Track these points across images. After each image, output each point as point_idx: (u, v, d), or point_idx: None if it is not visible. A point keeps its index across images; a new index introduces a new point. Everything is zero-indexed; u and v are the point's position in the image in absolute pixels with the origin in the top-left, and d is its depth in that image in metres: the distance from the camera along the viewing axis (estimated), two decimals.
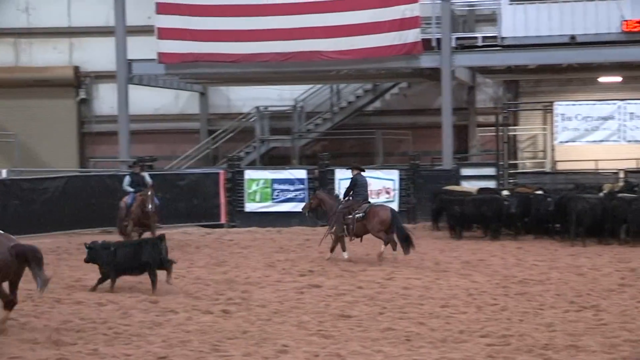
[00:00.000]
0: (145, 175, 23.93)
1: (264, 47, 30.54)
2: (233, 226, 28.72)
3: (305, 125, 36.10)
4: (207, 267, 19.97)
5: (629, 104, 28.37)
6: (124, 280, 17.90)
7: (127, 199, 23.30)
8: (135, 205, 22.95)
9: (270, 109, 36.27)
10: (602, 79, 34.45)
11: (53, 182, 26.35)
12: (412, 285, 17.08)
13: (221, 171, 29.72)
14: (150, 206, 22.58)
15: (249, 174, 29.74)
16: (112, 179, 27.62)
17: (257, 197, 29.39)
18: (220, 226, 28.56)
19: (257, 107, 35.99)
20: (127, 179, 23.61)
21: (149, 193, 22.72)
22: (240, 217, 29.20)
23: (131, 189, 23.28)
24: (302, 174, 29.60)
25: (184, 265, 20.08)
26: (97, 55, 36.68)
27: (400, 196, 29.15)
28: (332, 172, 29.29)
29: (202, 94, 37.34)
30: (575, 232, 23.34)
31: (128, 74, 31.94)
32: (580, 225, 23.29)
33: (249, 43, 30.60)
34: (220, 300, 15.64)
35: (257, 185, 29.42)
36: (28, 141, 35.52)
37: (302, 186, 29.25)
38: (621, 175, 29.03)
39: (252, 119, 36.16)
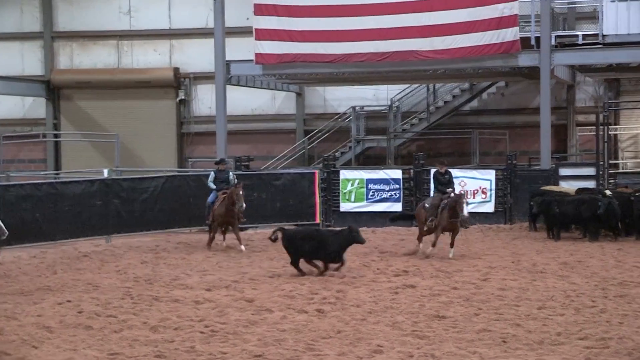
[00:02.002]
0: (230, 173, 24.15)
1: (360, 47, 30.57)
2: (328, 226, 28.80)
3: (401, 125, 36.04)
4: (302, 266, 20.05)
5: None
6: (221, 279, 18.17)
7: (209, 198, 23.56)
8: (219, 203, 23.15)
9: (365, 109, 36.32)
10: None
11: (152, 182, 26.78)
12: (508, 287, 16.90)
13: (316, 171, 29.84)
14: (242, 204, 22.78)
15: (344, 173, 29.79)
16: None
17: (352, 197, 29.43)
18: (316, 226, 28.67)
19: (353, 107, 36.06)
20: (211, 175, 23.84)
21: (240, 192, 22.89)
22: (335, 217, 29.27)
23: (214, 186, 23.51)
24: (397, 174, 29.53)
25: (279, 265, 20.26)
26: (196, 56, 37.28)
27: (497, 196, 28.85)
28: (428, 172, 29.13)
29: (299, 94, 37.59)
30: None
31: (226, 74, 32.33)
32: None
33: (344, 43, 30.66)
34: (314, 300, 15.71)
35: (352, 185, 29.45)
36: (128, 141, 36.27)
37: (397, 186, 29.18)
38: None
39: (348, 119, 36.24)
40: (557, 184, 28.41)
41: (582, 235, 24.94)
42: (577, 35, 31.29)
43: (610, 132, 31.41)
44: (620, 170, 32.48)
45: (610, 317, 13.98)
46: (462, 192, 23.20)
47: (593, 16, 31.93)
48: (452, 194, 21.60)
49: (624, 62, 31.52)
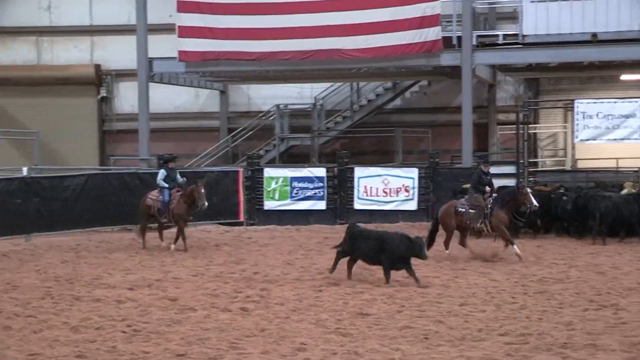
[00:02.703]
0: (177, 171, 23.89)
1: (284, 45, 30.56)
2: (252, 224, 28.76)
3: (325, 123, 36.12)
4: (225, 264, 20.01)
5: None
6: (144, 278, 18.01)
7: (159, 195, 23.22)
8: (177, 201, 22.90)
9: (290, 107, 36.30)
10: (624, 77, 34.29)
11: (73, 180, 26.44)
12: (431, 284, 17.06)
13: (240, 169, 29.75)
14: (205, 203, 22.68)
15: (268, 172, 29.77)
16: (132, 176, 27.72)
17: (276, 195, 29.43)
18: (239, 224, 28.59)
19: (277, 105, 36.01)
20: (162, 173, 23.45)
21: (202, 190, 22.76)
22: (259, 215, 29.24)
23: (166, 185, 23.25)
24: (321, 172, 29.60)
25: (202, 263, 20.18)
26: (118, 53, 36.85)
27: (419, 194, 29.12)
28: (352, 171, 29.27)
29: (223, 92, 37.42)
30: (598, 231, 23.30)
31: (149, 72, 32.04)
32: (603, 223, 23.24)
33: (269, 41, 30.61)
34: (238, 298, 15.67)
35: (276, 183, 29.45)
36: (49, 139, 35.66)
37: (321, 184, 29.26)
38: None
39: (272, 117, 36.19)
40: None
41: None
42: (497, 35, 31.68)
43: (529, 131, 31.89)
44: (540, 169, 32.98)
45: (530, 313, 14.19)
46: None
47: (513, 16, 32.35)
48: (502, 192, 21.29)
49: (543, 62, 31.99)
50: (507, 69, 33.92)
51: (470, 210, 20.74)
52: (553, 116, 35.47)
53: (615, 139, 28.47)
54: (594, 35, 29.28)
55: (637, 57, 30.22)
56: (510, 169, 29.50)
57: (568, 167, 33.23)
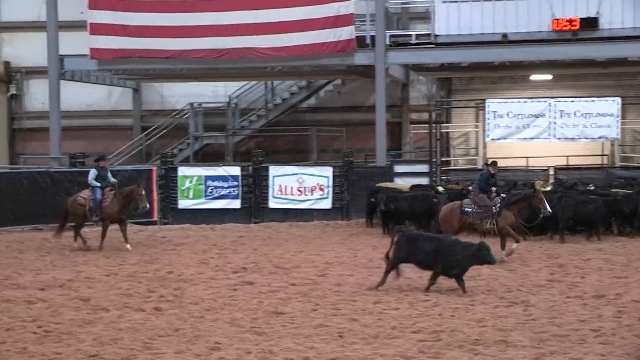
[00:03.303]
0: (108, 170, 23.54)
1: (198, 44, 30.39)
2: (166, 223, 28.51)
3: (240, 122, 36.05)
4: (139, 264, 19.81)
5: (559, 101, 28.74)
6: (55, 278, 17.73)
7: (90, 194, 22.84)
8: (110, 201, 22.57)
9: (204, 105, 36.10)
10: (533, 77, 34.94)
11: None
12: (345, 282, 17.13)
13: (153, 168, 29.49)
14: (146, 205, 22.48)
15: (182, 170, 29.56)
16: (43, 175, 27.26)
17: (190, 194, 29.24)
18: (153, 223, 28.33)
19: (191, 104, 35.78)
20: (93, 173, 23.02)
21: (143, 192, 22.53)
22: (173, 214, 29.01)
23: (97, 184, 22.85)
24: (235, 170, 29.51)
25: (115, 263, 19.95)
26: (29, 50, 36.19)
27: (334, 193, 29.22)
28: (266, 169, 29.26)
29: (135, 90, 37.05)
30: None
31: (60, 69, 31.57)
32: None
33: (182, 39, 30.42)
34: (152, 298, 15.54)
35: (190, 182, 29.26)
36: None
37: (235, 183, 29.17)
38: (551, 172, 29.47)
39: (186, 116, 35.96)
40: (392, 180, 29.01)
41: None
42: (410, 35, 32.01)
43: (442, 130, 32.28)
44: (452, 167, 33.41)
45: (442, 311, 14.35)
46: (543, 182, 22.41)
47: (426, 16, 32.69)
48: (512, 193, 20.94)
49: (455, 61, 32.43)
50: (420, 68, 34.27)
51: (478, 210, 20.28)
52: (465, 115, 35.95)
53: (525, 138, 28.99)
54: (505, 35, 29.77)
55: (547, 58, 30.85)
56: (423, 168, 29.83)
57: (479, 165, 33.66)
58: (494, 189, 20.41)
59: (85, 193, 22.99)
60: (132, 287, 16.55)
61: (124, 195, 22.66)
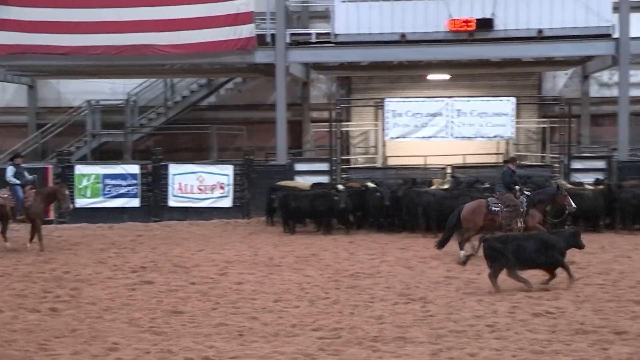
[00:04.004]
0: (24, 168, 22.96)
1: (95, 40, 29.92)
2: (62, 222, 28.01)
3: (139, 119, 35.65)
4: (34, 264, 19.44)
5: (456, 101, 29.17)
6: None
7: (9, 193, 22.17)
8: (33, 199, 21.99)
9: (102, 102, 35.60)
10: (431, 77, 35.40)
11: None
12: (245, 280, 17.11)
13: (49, 166, 28.95)
14: (70, 205, 22.02)
15: (79, 169, 29.11)
16: None
17: (88, 193, 28.82)
18: (49, 222, 27.79)
19: (89, 101, 35.26)
20: (11, 170, 22.29)
21: (66, 192, 22.09)
22: (70, 213, 28.48)
23: (17, 181, 22.24)
24: (134, 169, 29.18)
25: (10, 263, 19.54)
26: None
27: (235, 191, 29.16)
28: (166, 168, 29.01)
29: (31, 87, 36.34)
30: (426, 225, 24.03)
31: None
32: (427, 218, 23.96)
33: (79, 35, 29.91)
34: (48, 298, 15.27)
35: (88, 180, 28.84)
36: None
37: (134, 181, 28.85)
38: (448, 170, 29.91)
39: (83, 113, 35.40)
40: (292, 179, 29.07)
41: (317, 229, 25.66)
42: (310, 34, 32.13)
43: (342, 129, 32.47)
44: (352, 166, 33.62)
45: (342, 308, 14.45)
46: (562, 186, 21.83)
47: (326, 15, 32.85)
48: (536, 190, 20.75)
49: (354, 60, 32.65)
50: (320, 67, 34.41)
51: (505, 209, 20.04)
52: (365, 114, 36.23)
53: (423, 137, 29.35)
54: (403, 35, 30.07)
55: (443, 58, 31.28)
56: (324, 166, 29.98)
57: (379, 164, 34.00)
58: (517, 187, 20.30)
59: (4, 192, 22.42)
60: (27, 288, 16.25)
61: (46, 194, 22.23)
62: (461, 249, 19.68)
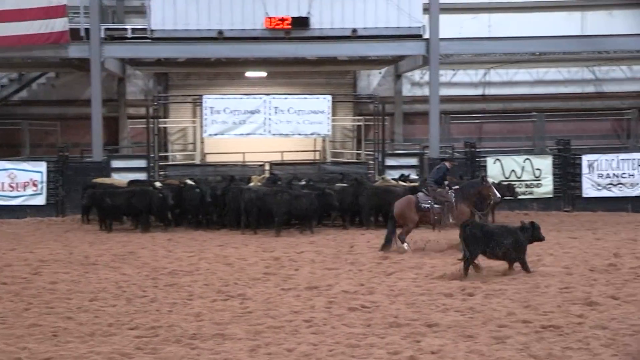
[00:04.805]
0: None
1: None
2: None
3: None
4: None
5: (273, 98, 29.43)
6: None
7: None
8: None
9: None
10: (249, 74, 35.57)
11: None
12: (60, 280, 16.73)
13: None
14: None
15: None
16: None
17: None
18: None
19: None
20: None
21: None
22: None
23: None
24: None
25: None
26: None
27: (49, 189, 28.46)
28: None
29: None
30: (245, 222, 24.08)
31: None
32: (248, 214, 24.02)
33: None
34: None
35: None
36: None
37: None
38: (267, 167, 30.15)
39: None
40: (109, 176, 28.62)
41: (134, 227, 25.36)
42: (126, 29, 31.68)
43: (160, 125, 32.19)
44: (170, 163, 33.41)
45: (160, 306, 14.34)
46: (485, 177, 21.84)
47: (142, 10, 32.46)
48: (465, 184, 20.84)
49: (171, 56, 32.41)
50: (136, 63, 34.00)
51: (436, 206, 20.13)
52: (183, 111, 36.05)
53: (241, 134, 29.45)
54: (220, 32, 30.07)
55: (261, 55, 31.49)
56: (141, 163, 29.67)
57: (197, 161, 33.91)
58: (446, 182, 20.60)
59: None
60: None
61: None
62: (402, 242, 20.05)
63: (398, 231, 20.23)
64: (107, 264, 18.85)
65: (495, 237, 16.38)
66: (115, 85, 35.57)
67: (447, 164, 21.18)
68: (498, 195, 20.99)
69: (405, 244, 20.03)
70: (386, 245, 20.08)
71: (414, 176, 28.46)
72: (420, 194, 20.83)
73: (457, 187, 20.98)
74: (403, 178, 27.72)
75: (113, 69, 32.56)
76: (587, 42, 31.96)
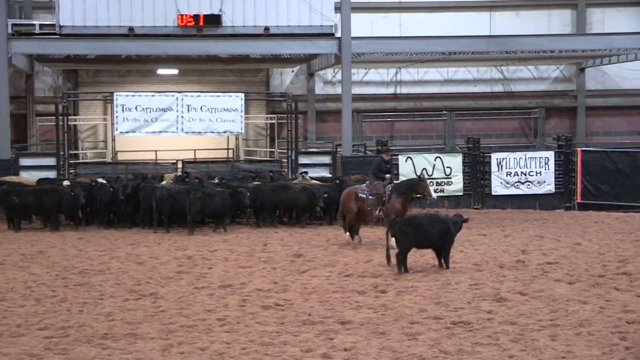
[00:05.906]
0: None
1: None
2: None
3: None
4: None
5: (186, 96, 29.26)
6: None
7: None
8: None
9: None
10: (161, 71, 35.33)
11: None
12: None
13: None
14: None
15: None
16: None
17: None
18: None
19: None
20: None
21: None
22: None
23: None
24: None
25: None
26: None
27: None
28: None
29: None
30: (158, 220, 23.86)
31: None
32: (160, 212, 23.81)
33: None
34: None
35: None
36: None
37: None
38: (179, 165, 29.97)
39: None
40: (17, 174, 28.09)
41: (44, 225, 24.95)
42: (34, 25, 31.16)
43: (70, 123, 31.74)
44: (81, 161, 32.97)
45: (70, 306, 14.15)
46: (423, 175, 21.70)
47: (50, 6, 31.97)
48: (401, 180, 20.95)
49: (81, 53, 31.99)
50: (44, 59, 33.49)
51: (370, 197, 20.39)
52: (93, 108, 35.65)
53: (154, 132, 29.20)
54: (131, 29, 29.79)
55: (172, 52, 31.33)
56: (51, 161, 29.18)
57: (109, 159, 33.54)
58: (387, 175, 20.79)
59: None
60: None
61: None
62: (345, 231, 20.87)
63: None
64: (15, 263, 18.52)
65: (425, 227, 16.78)
66: (23, 82, 34.97)
67: (384, 156, 21.40)
68: (434, 195, 21.22)
69: (347, 234, 20.76)
70: (351, 234, 20.78)
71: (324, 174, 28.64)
72: (362, 185, 21.45)
73: (397, 182, 21.56)
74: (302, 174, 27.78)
75: (21, 65, 32.00)
76: (495, 42, 32.53)
